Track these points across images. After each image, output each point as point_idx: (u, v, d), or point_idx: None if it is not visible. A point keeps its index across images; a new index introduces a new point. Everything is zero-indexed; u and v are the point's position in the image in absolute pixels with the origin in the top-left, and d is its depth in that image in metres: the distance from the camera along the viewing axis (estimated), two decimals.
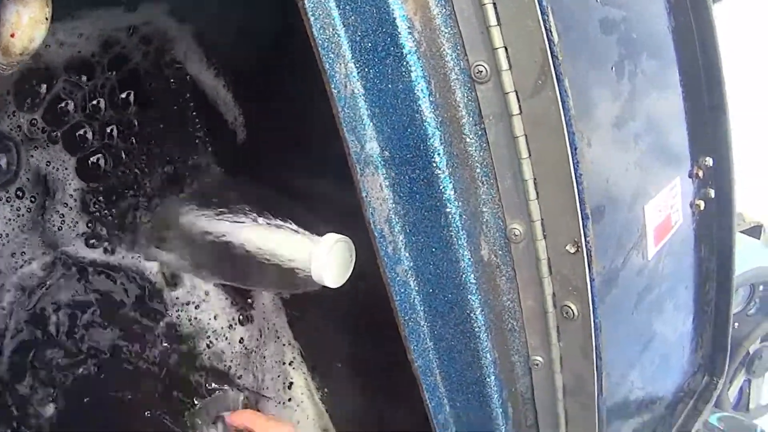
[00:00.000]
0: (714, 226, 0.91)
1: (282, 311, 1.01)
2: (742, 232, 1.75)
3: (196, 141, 0.94)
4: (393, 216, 0.58)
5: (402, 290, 0.59)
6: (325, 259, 0.64)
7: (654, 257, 0.73)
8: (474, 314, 0.58)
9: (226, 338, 0.94)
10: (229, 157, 0.97)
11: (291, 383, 1.00)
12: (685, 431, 0.96)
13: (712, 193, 0.88)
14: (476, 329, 0.59)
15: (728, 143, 0.87)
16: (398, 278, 0.59)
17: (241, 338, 0.97)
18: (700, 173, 0.84)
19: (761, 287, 1.53)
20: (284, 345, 1.01)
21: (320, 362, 1.02)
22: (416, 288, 0.60)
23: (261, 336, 0.99)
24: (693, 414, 0.98)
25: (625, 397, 0.77)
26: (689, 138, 0.84)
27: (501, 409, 0.65)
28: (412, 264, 0.59)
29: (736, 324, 1.56)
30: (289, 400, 0.99)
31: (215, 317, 0.94)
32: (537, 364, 0.63)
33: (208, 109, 0.93)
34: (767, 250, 1.69)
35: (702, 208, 0.85)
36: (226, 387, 0.90)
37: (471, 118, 0.53)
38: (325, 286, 0.66)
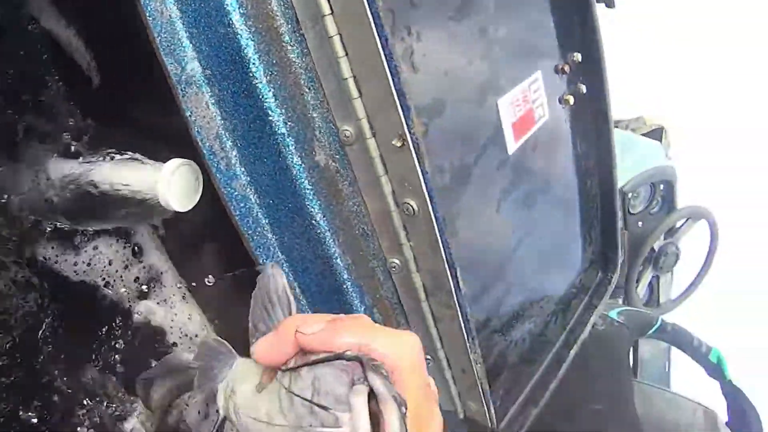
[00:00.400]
0: (589, 121, 0.91)
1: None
2: (643, 134, 1.80)
3: (55, 92, 0.87)
4: (222, 132, 0.57)
5: (242, 205, 0.58)
6: (168, 183, 0.62)
7: (516, 153, 0.73)
8: (316, 221, 0.57)
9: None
10: (88, 103, 0.91)
11: None
12: (581, 324, 0.99)
13: (583, 88, 0.87)
14: (321, 236, 0.58)
15: (596, 39, 0.86)
16: (236, 193, 0.58)
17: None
18: (567, 68, 0.83)
19: (661, 186, 1.58)
20: None
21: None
22: (257, 201, 0.58)
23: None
24: (588, 308, 1.01)
25: (504, 295, 0.78)
26: (555, 34, 0.83)
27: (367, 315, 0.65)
28: (248, 178, 0.58)
29: (640, 223, 1.61)
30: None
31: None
32: (395, 267, 0.63)
33: (64, 60, 0.87)
34: (667, 151, 1.74)
35: (572, 103, 0.84)
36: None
37: (289, 26, 0.52)
38: (177, 212, 0.64)
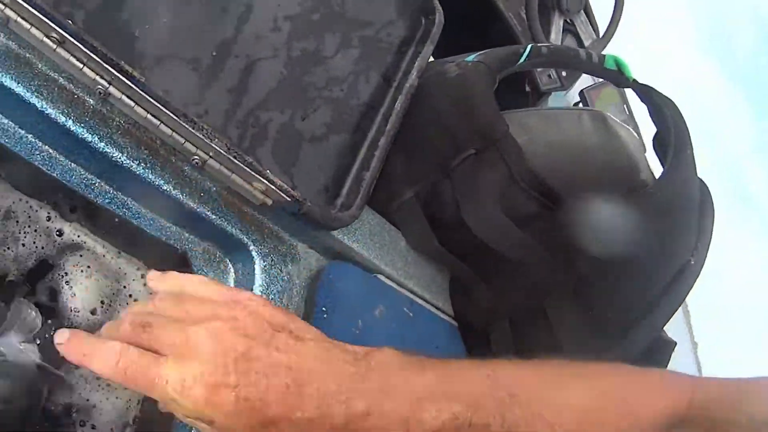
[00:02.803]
0: None
1: None
2: None
3: None
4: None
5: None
6: None
7: None
8: (22, 90, 0.64)
9: None
10: None
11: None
12: (407, 74, 0.95)
13: None
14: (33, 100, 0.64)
15: None
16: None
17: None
18: None
19: None
20: None
21: None
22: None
23: None
24: (414, 57, 0.97)
25: (249, 69, 0.77)
26: None
27: (111, 144, 0.68)
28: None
29: None
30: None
31: None
32: (101, 92, 0.64)
33: None
34: None
35: None
36: None
37: None
38: None
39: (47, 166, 0.73)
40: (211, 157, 0.71)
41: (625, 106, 1.72)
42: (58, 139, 0.70)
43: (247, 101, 0.75)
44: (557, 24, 1.55)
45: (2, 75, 0.62)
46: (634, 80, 1.13)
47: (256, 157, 0.74)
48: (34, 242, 0.86)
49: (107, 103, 0.69)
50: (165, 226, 0.79)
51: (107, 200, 0.76)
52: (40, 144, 0.72)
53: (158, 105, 0.65)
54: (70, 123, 0.67)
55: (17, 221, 0.88)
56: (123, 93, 0.66)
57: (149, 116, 0.67)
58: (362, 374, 0.48)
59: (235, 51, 0.75)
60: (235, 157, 0.68)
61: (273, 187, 0.72)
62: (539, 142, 1.06)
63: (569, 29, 1.61)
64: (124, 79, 0.64)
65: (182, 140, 0.69)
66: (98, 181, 0.75)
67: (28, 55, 0.64)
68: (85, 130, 0.68)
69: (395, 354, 0.52)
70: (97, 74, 0.65)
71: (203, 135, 0.68)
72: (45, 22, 0.59)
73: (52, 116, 0.66)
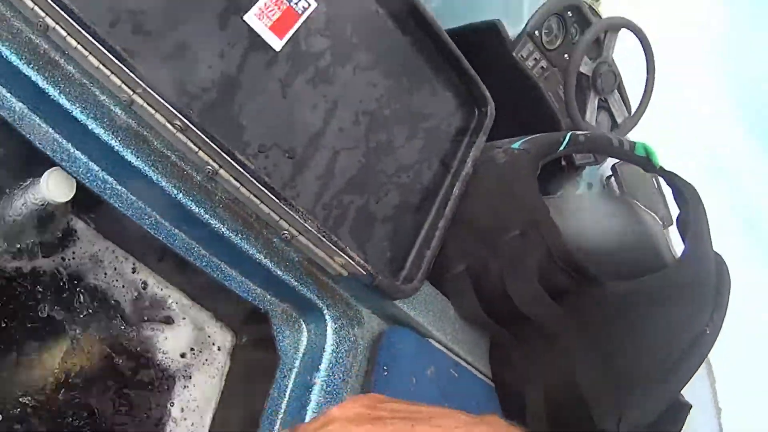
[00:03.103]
0: None
1: None
2: None
3: None
4: (53, 134, 0.76)
5: (89, 175, 0.78)
6: (46, 187, 0.79)
7: (287, 46, 0.85)
8: (137, 163, 0.76)
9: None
10: None
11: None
12: (463, 162, 1.08)
13: None
14: (146, 172, 0.76)
15: None
16: (81, 170, 0.78)
17: None
18: None
19: (569, 13, 1.60)
20: None
21: None
22: (98, 168, 0.79)
23: None
24: (469, 146, 1.10)
25: (334, 158, 0.90)
26: None
27: (214, 217, 0.81)
28: (87, 157, 0.77)
29: (566, 55, 1.64)
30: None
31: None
32: (209, 172, 0.78)
33: None
34: None
35: None
36: None
37: (58, 52, 0.70)
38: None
39: (154, 229, 0.85)
40: (300, 233, 0.84)
41: (654, 180, 1.82)
42: (167, 208, 0.83)
43: (333, 186, 0.88)
44: (593, 102, 1.67)
45: (123, 149, 0.75)
46: (661, 167, 1.26)
47: (338, 234, 0.87)
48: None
49: (213, 180, 0.82)
50: (251, 288, 0.92)
51: (204, 263, 0.89)
52: (149, 210, 0.84)
53: (262, 188, 0.78)
54: (180, 195, 0.80)
55: (105, 273, 1.01)
56: (231, 175, 0.79)
57: (252, 196, 0.81)
58: None
59: (323, 142, 0.89)
60: (323, 236, 0.81)
61: (352, 262, 0.84)
62: (574, 225, 1.19)
63: (603, 106, 1.74)
64: (235, 164, 0.77)
65: (277, 218, 0.82)
66: (197, 246, 0.88)
67: (146, 133, 0.77)
68: (192, 202, 0.81)
69: None
70: (211, 158, 0.78)
71: (298, 216, 0.80)
72: (169, 109, 0.72)
73: (165, 188, 0.79)
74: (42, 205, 0.83)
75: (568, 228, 1.14)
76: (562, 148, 1.22)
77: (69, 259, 0.97)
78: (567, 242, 1.09)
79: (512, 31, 1.57)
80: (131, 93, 0.71)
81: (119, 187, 0.81)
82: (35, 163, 0.81)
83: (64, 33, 0.67)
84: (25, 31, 0.69)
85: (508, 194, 1.11)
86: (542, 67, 1.63)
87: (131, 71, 0.68)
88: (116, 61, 0.67)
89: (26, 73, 0.69)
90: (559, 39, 1.63)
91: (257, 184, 0.79)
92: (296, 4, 0.87)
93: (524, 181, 1.12)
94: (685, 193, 1.19)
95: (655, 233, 1.19)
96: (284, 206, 0.80)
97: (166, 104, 0.71)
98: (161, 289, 1.05)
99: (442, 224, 1.00)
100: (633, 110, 1.76)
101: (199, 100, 0.78)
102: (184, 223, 0.85)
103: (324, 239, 0.82)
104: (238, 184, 0.80)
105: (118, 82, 0.69)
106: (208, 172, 0.78)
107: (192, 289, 1.05)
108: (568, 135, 1.24)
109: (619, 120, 1.74)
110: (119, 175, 0.80)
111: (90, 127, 0.72)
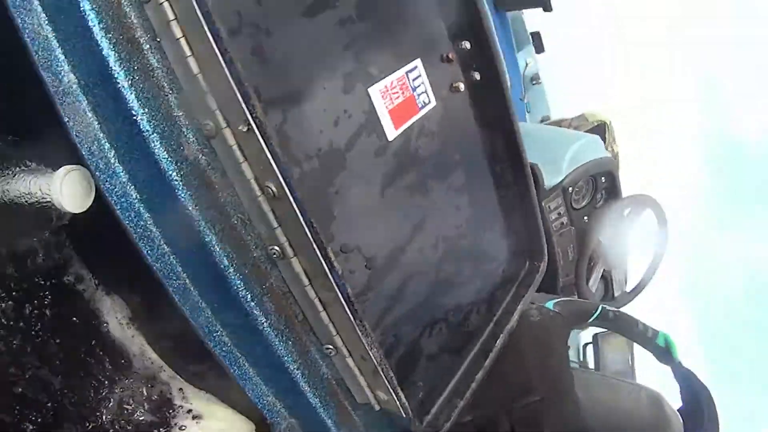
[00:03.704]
0: (488, 107, 0.92)
1: None
2: (587, 131, 1.82)
3: None
4: (99, 135, 0.60)
5: (123, 200, 0.62)
6: (59, 188, 0.65)
7: (399, 139, 0.74)
8: (190, 209, 0.61)
9: None
10: None
11: None
12: (508, 314, 0.99)
13: (477, 75, 0.89)
14: (197, 224, 0.61)
15: (484, 27, 0.88)
16: (116, 190, 0.61)
17: None
18: (452, 56, 0.85)
19: (603, 178, 1.60)
20: None
21: None
22: (137, 197, 0.62)
23: None
24: (515, 298, 1.02)
25: (405, 282, 0.78)
26: (438, 23, 0.85)
27: (256, 305, 0.65)
28: (127, 175, 0.61)
29: (586, 218, 1.62)
30: None
31: None
32: (275, 254, 0.63)
33: None
34: (613, 146, 1.77)
35: (462, 89, 0.86)
36: None
37: (147, 35, 0.57)
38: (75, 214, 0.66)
39: (180, 295, 0.68)
40: (350, 354, 0.70)
41: (629, 358, 1.79)
42: (204, 276, 0.67)
43: (397, 311, 0.76)
44: (598, 271, 1.66)
45: (179, 185, 0.61)
46: (679, 362, 1.21)
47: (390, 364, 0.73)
48: None
49: (273, 263, 0.66)
50: (264, 394, 0.75)
51: (223, 352, 0.72)
52: (180, 270, 0.67)
53: (338, 294, 0.64)
54: (227, 266, 0.64)
55: None
56: (303, 268, 0.64)
57: (316, 299, 0.66)
58: None
59: (403, 260, 0.78)
60: (382, 369, 0.67)
61: (396, 401, 0.71)
62: (596, 403, 1.11)
63: (605, 276, 1.73)
64: (319, 258, 0.61)
65: (334, 331, 0.68)
66: (221, 330, 0.71)
67: (214, 178, 0.62)
68: (238, 280, 0.65)
69: None
70: (288, 241, 0.63)
71: (362, 336, 0.66)
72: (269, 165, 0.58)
73: (212, 251, 0.63)
74: (42, 202, 0.67)
75: (588, 403, 1.07)
76: (592, 319, 1.18)
77: None
78: (584, 419, 1.01)
79: (548, 180, 1.53)
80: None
81: (154, 229, 0.64)
82: (56, 147, 0.65)
83: None
84: None
85: (539, 358, 1.04)
86: (562, 223, 1.60)
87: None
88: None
89: None
90: (586, 199, 1.62)
91: (334, 287, 0.64)
92: (419, 96, 0.78)
93: (555, 344, 1.07)
94: (700, 394, 1.15)
95: None
96: (352, 322, 0.66)
97: (269, 155, 0.57)
98: None
99: (480, 376, 0.88)
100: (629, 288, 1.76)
101: (298, 166, 0.64)
102: (217, 301, 0.69)
103: (382, 372, 0.68)
104: (306, 281, 0.65)
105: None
106: (274, 253, 0.64)
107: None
108: (599, 308, 1.19)
109: (616, 293, 1.73)
110: (159, 214, 0.64)
111: (150, 142, 0.58)
